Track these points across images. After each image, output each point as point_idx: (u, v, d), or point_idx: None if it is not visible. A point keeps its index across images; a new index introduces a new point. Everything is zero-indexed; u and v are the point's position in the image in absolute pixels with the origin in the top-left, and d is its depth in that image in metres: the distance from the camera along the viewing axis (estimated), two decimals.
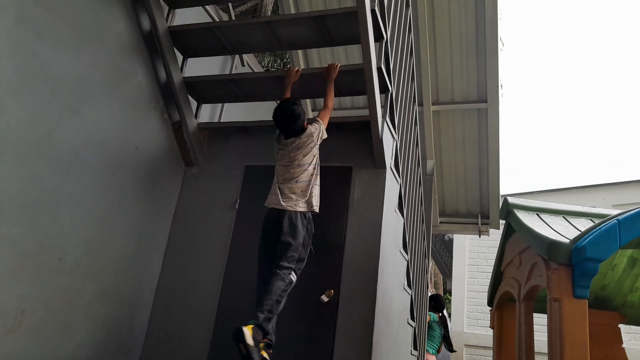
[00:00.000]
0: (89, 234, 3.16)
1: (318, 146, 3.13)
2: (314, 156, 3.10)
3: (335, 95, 4.03)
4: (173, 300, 3.67)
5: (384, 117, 3.52)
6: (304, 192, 3.01)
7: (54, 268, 2.91)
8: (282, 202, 2.96)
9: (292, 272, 2.84)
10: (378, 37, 3.38)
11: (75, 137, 3.03)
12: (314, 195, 3.04)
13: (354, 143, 3.68)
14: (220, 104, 4.62)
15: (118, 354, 3.41)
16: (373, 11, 3.17)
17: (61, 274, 2.96)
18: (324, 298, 3.25)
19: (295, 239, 2.88)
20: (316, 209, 3.05)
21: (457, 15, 6.01)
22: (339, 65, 3.40)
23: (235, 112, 4.76)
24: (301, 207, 2.97)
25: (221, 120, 4.56)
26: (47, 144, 2.85)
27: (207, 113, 4.44)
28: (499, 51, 6.11)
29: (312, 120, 3.18)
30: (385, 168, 3.51)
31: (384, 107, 3.59)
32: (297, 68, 3.53)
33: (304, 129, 3.08)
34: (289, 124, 3.04)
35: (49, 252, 2.88)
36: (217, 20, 4.57)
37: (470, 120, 6.79)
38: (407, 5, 4.43)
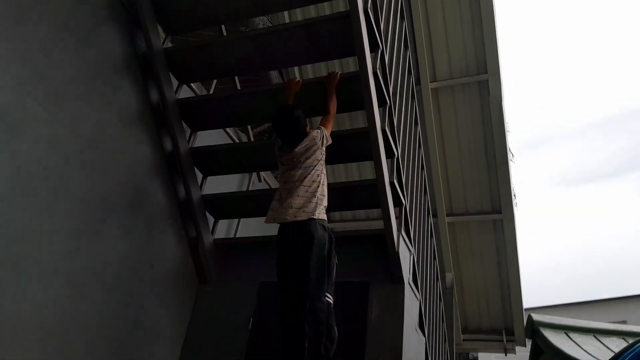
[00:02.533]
0: (101, 356, 3.05)
1: (324, 151, 2.98)
2: (319, 161, 2.92)
3: (349, 209, 4.10)
4: None
5: (399, 230, 3.52)
6: (312, 198, 2.79)
7: None
8: (290, 214, 2.74)
9: (325, 297, 2.66)
10: (389, 153, 3.50)
11: (94, 258, 3.05)
12: (324, 201, 2.87)
13: (369, 257, 3.64)
14: (236, 220, 4.69)
15: None
16: (384, 130, 3.32)
17: None
18: None
19: (318, 252, 2.68)
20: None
21: (465, 131, 6.27)
22: (340, 73, 3.26)
23: (251, 227, 4.81)
24: (316, 214, 2.76)
25: (237, 236, 4.59)
26: (67, 265, 2.86)
27: (224, 229, 4.49)
28: (510, 162, 6.26)
29: (315, 128, 3.07)
30: (404, 283, 3.43)
31: (398, 219, 3.60)
32: (297, 79, 3.33)
33: (306, 134, 2.93)
34: (289, 129, 2.91)
35: None
36: (237, 140, 4.81)
37: (486, 231, 6.75)
38: (417, 123, 4.65)
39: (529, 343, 6.58)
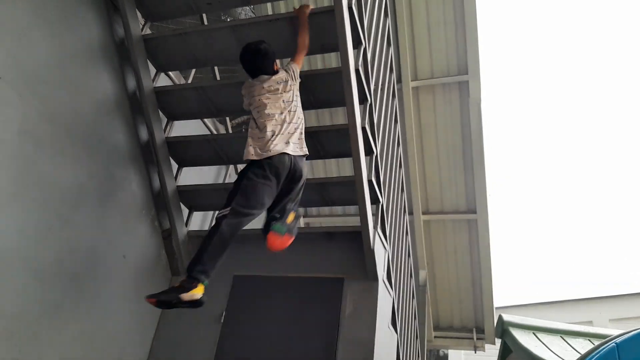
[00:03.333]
0: (69, 346, 2.98)
1: (298, 87, 2.97)
2: (297, 96, 2.93)
3: (327, 205, 4.09)
4: None
5: (375, 227, 3.53)
6: (300, 134, 2.84)
7: None
8: (288, 148, 2.72)
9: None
10: (368, 151, 3.50)
11: (62, 247, 2.98)
12: (303, 137, 2.88)
13: (345, 253, 3.64)
14: (211, 212, 4.63)
15: None
16: (364, 128, 3.31)
17: None
18: None
19: (301, 188, 2.90)
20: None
21: (443, 131, 6.32)
22: (310, 7, 3.14)
23: None
24: (304, 150, 2.85)
25: None
26: (34, 253, 2.79)
27: (198, 221, 4.44)
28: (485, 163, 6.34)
29: (284, 66, 3.02)
30: (378, 280, 3.45)
31: (374, 217, 3.61)
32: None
33: (275, 71, 2.92)
34: (257, 60, 2.89)
35: None
36: (214, 132, 4.75)
37: (461, 230, 6.84)
38: (396, 121, 4.66)
39: (498, 342, 6.72)
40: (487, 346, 7.02)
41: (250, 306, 3.64)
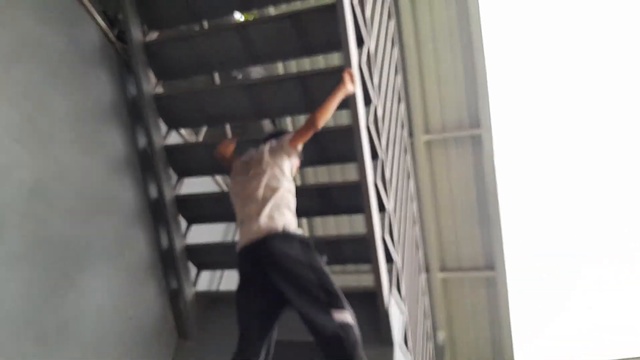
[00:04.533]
0: None
1: (286, 166, 2.50)
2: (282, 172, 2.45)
3: (339, 263, 3.96)
4: None
5: (390, 287, 3.38)
6: (275, 208, 2.30)
7: None
8: (258, 229, 2.20)
9: (344, 313, 2.02)
10: (381, 207, 3.40)
11: (68, 309, 2.87)
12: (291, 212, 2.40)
13: (358, 316, 3.46)
14: (219, 271, 4.51)
15: None
16: (375, 184, 3.24)
17: None
18: None
19: (308, 268, 2.12)
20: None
21: (457, 186, 6.23)
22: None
23: (234, 280, 4.62)
24: (286, 224, 2.26)
25: (220, 289, 4.41)
26: (37, 317, 2.68)
27: (206, 281, 4.31)
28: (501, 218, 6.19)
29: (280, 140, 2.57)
30: (393, 345, 3.25)
31: (389, 275, 3.46)
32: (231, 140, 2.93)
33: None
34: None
35: None
36: (224, 188, 4.71)
37: (479, 288, 6.60)
38: (409, 177, 4.59)
39: None
40: None
41: None
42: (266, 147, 2.53)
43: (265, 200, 2.29)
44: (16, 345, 2.55)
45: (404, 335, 3.57)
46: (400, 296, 3.63)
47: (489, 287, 6.53)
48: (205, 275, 4.23)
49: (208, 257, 3.94)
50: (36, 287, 2.69)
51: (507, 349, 6.56)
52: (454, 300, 6.68)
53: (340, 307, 2.04)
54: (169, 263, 3.74)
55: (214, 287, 4.38)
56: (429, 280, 6.14)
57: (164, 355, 3.63)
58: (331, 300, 2.06)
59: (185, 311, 3.69)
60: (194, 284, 3.88)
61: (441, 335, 6.26)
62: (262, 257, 2.18)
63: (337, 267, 7.11)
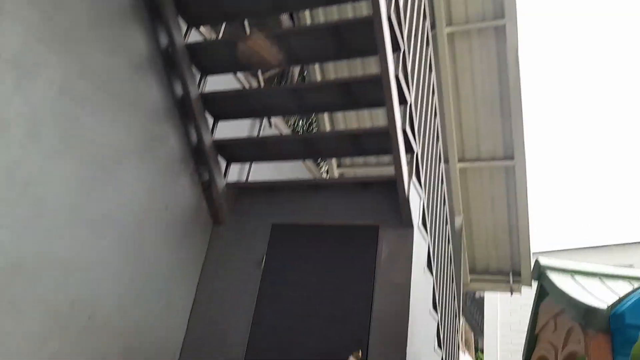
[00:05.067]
0: (119, 293, 3.20)
1: None
2: None
3: (361, 155, 4.12)
4: (199, 359, 3.62)
5: (409, 176, 3.55)
6: None
7: (82, 326, 2.93)
8: None
9: None
10: (402, 100, 3.46)
11: (109, 199, 3.15)
12: None
13: (380, 201, 3.69)
14: (248, 163, 4.73)
15: None
16: (397, 77, 3.27)
17: (90, 332, 2.98)
18: (352, 359, 3.16)
19: None
20: None
21: (480, 78, 6.14)
22: None
23: (262, 171, 4.86)
24: None
25: (249, 180, 4.66)
26: (83, 205, 2.96)
27: (236, 172, 4.55)
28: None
29: None
30: (413, 227, 3.50)
31: (409, 165, 3.62)
32: None
33: None
34: None
35: (80, 311, 2.92)
36: (247, 86, 4.78)
37: (498, 177, 6.75)
38: (430, 70, 4.55)
39: (534, 284, 6.75)
40: (523, 289, 7.08)
41: (288, 253, 3.78)
42: None
43: None
44: (70, 231, 2.86)
45: (422, 218, 3.81)
46: (420, 184, 3.81)
47: (507, 176, 6.68)
48: (235, 167, 4.46)
49: (236, 151, 4.14)
50: (77, 179, 2.94)
51: (524, 236, 6.86)
52: (472, 188, 6.89)
53: None
54: (199, 157, 3.95)
55: (243, 179, 4.63)
56: (447, 171, 6.31)
57: (200, 241, 3.99)
58: None
59: (218, 200, 3.97)
60: (225, 175, 4.12)
61: (458, 220, 6.56)
62: None
63: (360, 159, 7.31)
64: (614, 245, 10.07)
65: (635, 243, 9.87)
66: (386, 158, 6.89)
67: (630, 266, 8.65)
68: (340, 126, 6.99)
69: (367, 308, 3.34)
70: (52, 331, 2.75)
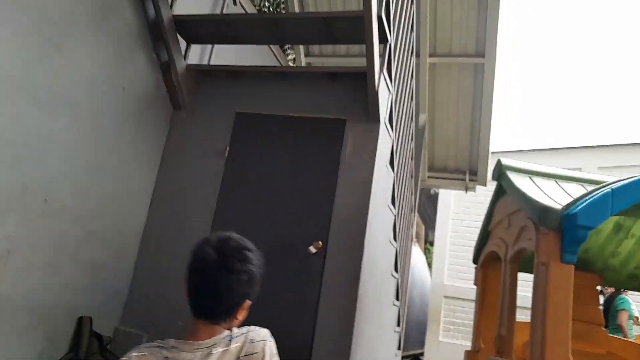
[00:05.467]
0: (75, 176, 3.09)
1: None
2: None
3: (331, 42, 3.92)
4: (159, 245, 3.65)
5: (381, 69, 3.41)
6: None
7: (39, 210, 2.85)
8: None
9: None
10: None
11: (59, 75, 2.90)
12: None
13: (348, 94, 3.58)
14: (209, 46, 4.44)
15: (105, 296, 3.42)
16: None
17: (47, 216, 2.90)
18: (312, 249, 3.26)
19: None
20: None
21: None
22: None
23: (225, 55, 4.59)
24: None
25: (211, 63, 4.40)
26: (30, 80, 2.72)
27: (197, 55, 4.27)
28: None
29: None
30: (380, 122, 3.45)
31: (381, 57, 3.47)
32: None
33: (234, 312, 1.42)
34: (220, 290, 1.37)
35: (34, 194, 2.81)
36: None
37: (467, 75, 6.67)
38: None
39: (490, 185, 7.03)
40: (477, 188, 7.37)
41: (252, 143, 3.69)
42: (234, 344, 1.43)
43: None
44: (12, 106, 2.64)
45: (389, 114, 3.75)
46: (390, 78, 3.70)
47: (476, 74, 6.61)
48: (196, 49, 4.18)
49: (197, 29, 3.84)
50: (23, 51, 2.67)
51: (485, 136, 6.97)
52: (439, 85, 6.81)
53: None
54: (157, 34, 3.65)
55: (205, 62, 4.36)
56: (417, 65, 6.15)
57: (159, 126, 3.82)
58: None
59: (177, 83, 3.75)
60: (185, 57, 3.86)
61: (423, 118, 6.56)
62: None
63: (329, 49, 7.02)
64: (566, 148, 10.47)
65: (584, 147, 10.30)
66: (356, 48, 6.63)
67: (579, 169, 9.11)
68: (310, 9, 6.57)
69: (330, 201, 3.37)
70: (6, 214, 2.66)
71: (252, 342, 1.43)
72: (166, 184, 3.78)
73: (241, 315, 1.44)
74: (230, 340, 1.41)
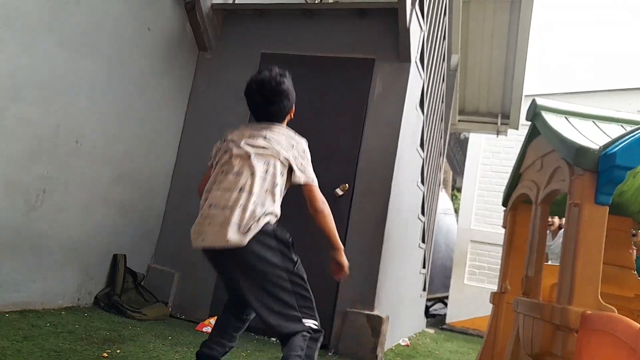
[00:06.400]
0: (105, 118, 3.13)
1: (283, 172, 1.88)
2: (276, 175, 1.86)
3: None
4: (188, 186, 3.72)
5: (412, 4, 3.26)
6: (251, 209, 1.75)
7: (71, 150, 2.91)
8: (222, 237, 1.73)
9: (304, 322, 1.78)
10: None
11: (84, 15, 2.88)
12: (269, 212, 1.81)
13: (377, 32, 3.46)
14: None
15: (137, 235, 3.54)
16: None
17: (79, 156, 2.97)
18: (339, 191, 3.26)
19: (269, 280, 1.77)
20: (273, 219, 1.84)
21: None
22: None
23: None
24: (253, 231, 1.73)
25: (236, 2, 4.28)
26: (56, 21, 2.71)
27: None
28: None
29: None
30: (410, 62, 3.33)
31: None
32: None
33: (281, 119, 2.00)
34: (267, 96, 1.93)
35: (66, 135, 2.86)
36: None
37: (502, 13, 6.33)
38: None
39: (522, 128, 6.83)
40: (509, 131, 7.17)
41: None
42: (281, 139, 1.92)
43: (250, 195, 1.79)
44: (40, 48, 2.65)
45: (421, 53, 3.62)
46: (422, 14, 3.54)
47: (512, 12, 6.27)
48: None
49: None
50: None
51: (519, 78, 6.69)
52: (472, 24, 6.49)
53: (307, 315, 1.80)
54: None
55: (229, 0, 4.24)
56: (451, 1, 5.87)
57: (185, 67, 3.80)
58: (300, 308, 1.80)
59: (202, 23, 3.68)
60: None
61: (455, 59, 6.32)
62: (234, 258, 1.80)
63: None
64: (603, 90, 10.01)
65: (624, 89, 9.82)
66: None
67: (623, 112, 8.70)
68: None
69: (357, 142, 3.34)
70: (40, 154, 2.72)
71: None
72: (194, 125, 3.79)
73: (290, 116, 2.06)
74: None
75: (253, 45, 3.74)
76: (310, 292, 1.84)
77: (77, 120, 2.92)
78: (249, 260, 1.75)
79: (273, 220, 1.83)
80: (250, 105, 2.00)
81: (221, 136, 2.00)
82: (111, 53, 3.10)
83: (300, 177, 1.89)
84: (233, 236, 1.71)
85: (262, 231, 1.75)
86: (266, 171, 1.84)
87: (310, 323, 1.80)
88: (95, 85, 3.01)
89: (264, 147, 1.87)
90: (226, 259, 1.81)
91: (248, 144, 1.89)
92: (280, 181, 1.87)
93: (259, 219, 1.75)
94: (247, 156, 1.85)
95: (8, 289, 2.63)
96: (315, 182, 1.93)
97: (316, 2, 6.52)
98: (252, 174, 1.81)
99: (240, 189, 1.79)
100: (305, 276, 1.86)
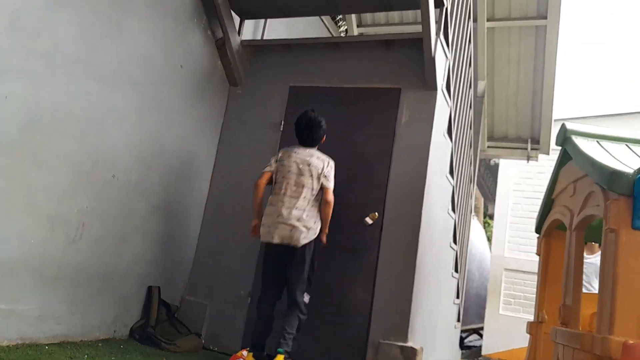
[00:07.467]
0: (139, 151, 3.24)
1: (320, 182, 2.95)
2: (318, 185, 2.95)
3: (385, 9, 3.84)
4: (221, 217, 3.78)
5: (437, 34, 3.31)
6: (309, 217, 2.89)
7: (108, 184, 3.02)
8: (289, 235, 2.84)
9: (304, 298, 2.90)
10: None
11: (119, 53, 3.03)
12: (317, 221, 2.95)
13: (402, 62, 3.51)
14: (262, 21, 4.46)
15: (171, 266, 3.60)
16: None
17: (115, 189, 3.08)
18: (368, 220, 3.26)
19: (305, 269, 2.88)
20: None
21: None
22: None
23: (277, 30, 4.60)
24: (310, 236, 2.88)
25: (264, 38, 4.43)
26: (93, 59, 2.85)
27: (250, 31, 4.31)
28: None
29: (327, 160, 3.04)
30: (436, 90, 3.36)
31: (437, 23, 3.36)
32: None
33: (318, 143, 3.09)
34: (311, 129, 3.02)
35: (102, 168, 2.98)
36: None
37: (527, 38, 6.33)
38: None
39: (553, 153, 6.71)
40: (540, 156, 7.05)
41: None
42: (318, 162, 2.98)
43: (309, 205, 2.93)
44: (78, 84, 2.79)
45: (446, 81, 3.64)
46: (447, 43, 3.58)
47: (537, 37, 6.25)
48: (249, 25, 4.21)
49: (250, 4, 3.86)
50: (86, 31, 2.80)
51: (547, 102, 6.62)
52: (498, 50, 6.50)
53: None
54: (211, 11, 3.71)
55: (258, 37, 4.40)
56: (475, 30, 5.90)
57: (217, 102, 3.92)
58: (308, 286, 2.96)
59: (233, 59, 3.81)
60: (239, 33, 3.90)
61: (482, 85, 6.32)
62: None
63: (382, 18, 6.86)
64: (635, 113, 9.77)
65: None
66: (410, 15, 6.43)
67: None
68: None
69: (386, 170, 3.35)
70: (79, 188, 2.84)
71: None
72: (226, 158, 3.89)
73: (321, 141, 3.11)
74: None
75: (281, 79, 3.84)
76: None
77: (112, 154, 3.04)
78: (301, 256, 2.85)
79: (318, 229, 2.93)
80: (298, 132, 3.04)
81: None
82: (145, 89, 3.24)
83: (327, 184, 2.95)
84: (299, 239, 2.81)
85: (312, 239, 2.88)
86: (312, 185, 2.91)
87: (307, 298, 2.91)
88: (129, 119, 3.14)
89: (315, 166, 2.93)
90: (287, 254, 2.86)
91: (302, 163, 2.93)
92: (317, 187, 2.94)
93: (314, 229, 2.89)
94: (302, 173, 2.91)
95: (49, 321, 2.70)
96: (332, 187, 2.97)
97: (342, 35, 6.67)
98: (305, 186, 2.90)
99: (302, 198, 2.87)
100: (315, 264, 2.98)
